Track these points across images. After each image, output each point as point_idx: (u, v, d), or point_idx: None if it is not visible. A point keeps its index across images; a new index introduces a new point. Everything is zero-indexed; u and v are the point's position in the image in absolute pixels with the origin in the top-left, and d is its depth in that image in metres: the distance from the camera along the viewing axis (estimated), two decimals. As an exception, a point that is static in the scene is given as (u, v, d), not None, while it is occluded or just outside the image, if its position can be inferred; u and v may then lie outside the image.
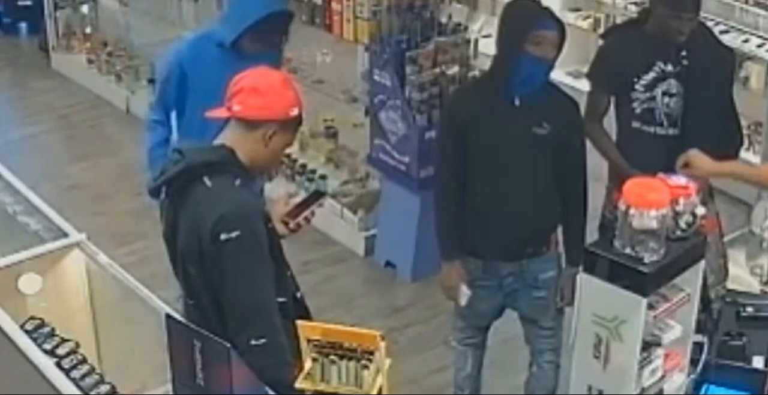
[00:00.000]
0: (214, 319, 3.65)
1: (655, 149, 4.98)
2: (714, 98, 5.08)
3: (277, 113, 3.68)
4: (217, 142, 3.72)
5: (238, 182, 3.65)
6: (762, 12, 7.58)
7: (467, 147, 4.67)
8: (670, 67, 5.05)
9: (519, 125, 4.61)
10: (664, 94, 5.06)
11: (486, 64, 5.01)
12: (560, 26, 4.61)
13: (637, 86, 5.07)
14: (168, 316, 3.57)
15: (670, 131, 5.10)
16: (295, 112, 3.71)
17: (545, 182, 4.69)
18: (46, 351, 4.00)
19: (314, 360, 3.45)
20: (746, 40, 7.54)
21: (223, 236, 3.52)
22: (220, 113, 3.73)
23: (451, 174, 4.74)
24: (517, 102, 4.61)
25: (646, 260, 3.78)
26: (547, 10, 4.65)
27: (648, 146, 5.09)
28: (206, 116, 3.81)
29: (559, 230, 4.83)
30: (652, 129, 5.11)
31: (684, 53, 5.04)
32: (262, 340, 3.56)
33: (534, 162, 4.65)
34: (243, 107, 3.67)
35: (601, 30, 8.08)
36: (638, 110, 5.10)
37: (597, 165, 5.17)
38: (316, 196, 4.08)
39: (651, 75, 5.06)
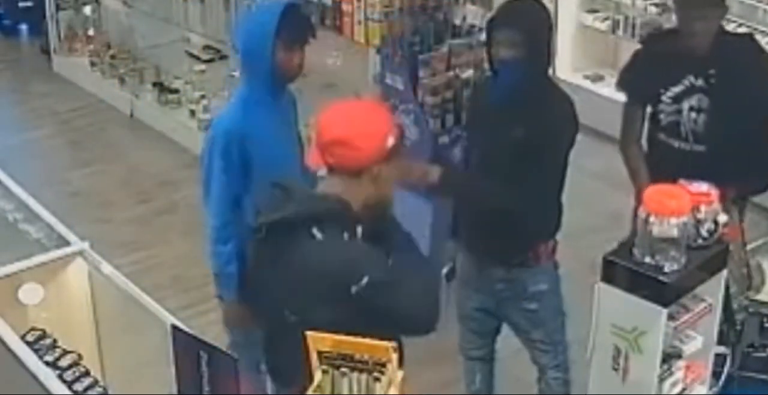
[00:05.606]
0: None
1: (679, 164, 4.77)
2: (741, 123, 4.78)
3: (377, 155, 3.54)
4: (325, 189, 3.62)
5: (346, 235, 3.54)
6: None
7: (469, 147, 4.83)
8: (700, 82, 4.85)
9: (496, 127, 4.51)
10: (691, 109, 4.90)
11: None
12: (520, 26, 4.38)
13: (663, 98, 4.93)
14: (174, 327, 3.54)
15: (696, 148, 4.94)
16: (391, 141, 3.56)
17: (526, 188, 4.42)
18: (48, 363, 3.98)
19: (324, 372, 3.38)
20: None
21: (353, 289, 3.48)
22: (316, 160, 3.59)
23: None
24: (496, 104, 4.54)
25: (666, 270, 3.67)
26: (514, 9, 4.51)
27: (672, 160, 4.93)
28: (307, 165, 3.70)
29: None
30: (677, 144, 4.97)
31: (712, 71, 4.83)
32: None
33: (508, 166, 4.45)
34: (339, 160, 3.54)
35: (620, 32, 8.02)
36: (664, 122, 4.97)
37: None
38: None
39: (679, 88, 4.89)
